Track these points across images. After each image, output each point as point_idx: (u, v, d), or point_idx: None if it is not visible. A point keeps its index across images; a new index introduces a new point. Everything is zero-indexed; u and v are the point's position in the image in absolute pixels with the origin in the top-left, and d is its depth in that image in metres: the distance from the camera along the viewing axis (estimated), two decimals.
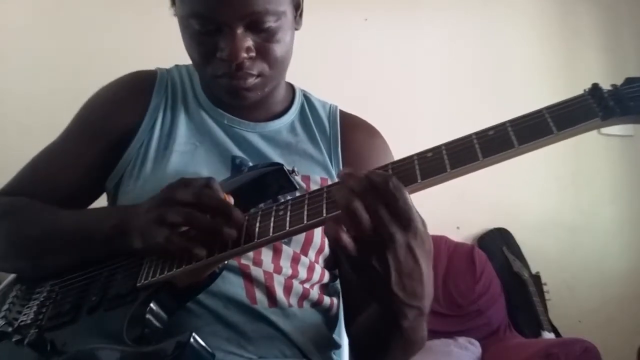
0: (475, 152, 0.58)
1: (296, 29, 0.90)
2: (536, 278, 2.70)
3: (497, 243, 2.75)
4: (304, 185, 0.87)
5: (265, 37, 0.81)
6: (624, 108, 0.54)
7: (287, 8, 0.83)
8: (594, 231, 2.93)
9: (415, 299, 0.61)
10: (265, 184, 0.75)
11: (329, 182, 0.89)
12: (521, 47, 3.00)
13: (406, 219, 0.57)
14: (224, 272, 0.75)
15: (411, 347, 0.72)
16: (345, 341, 0.98)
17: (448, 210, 2.57)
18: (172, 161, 0.87)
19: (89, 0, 2.53)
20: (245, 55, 0.80)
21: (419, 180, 0.59)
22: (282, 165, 0.75)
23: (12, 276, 0.88)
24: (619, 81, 0.58)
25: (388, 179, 0.56)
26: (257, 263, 0.81)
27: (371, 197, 0.56)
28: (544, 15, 3.07)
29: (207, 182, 0.70)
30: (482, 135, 0.59)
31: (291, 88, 1.02)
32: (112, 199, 0.92)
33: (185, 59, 0.93)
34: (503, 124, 0.59)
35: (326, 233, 0.59)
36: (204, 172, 0.86)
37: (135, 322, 0.66)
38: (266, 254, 0.83)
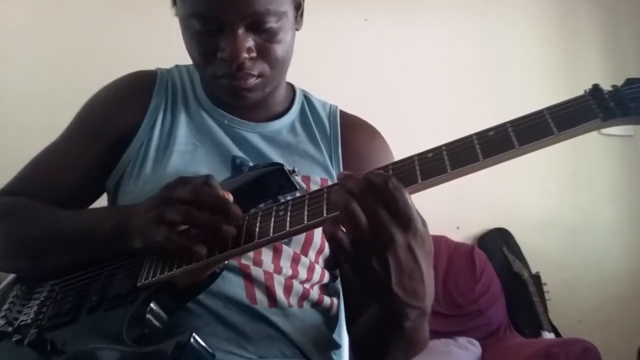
0: (475, 152, 0.58)
1: (297, 29, 0.90)
2: (536, 278, 2.70)
3: (497, 243, 2.75)
4: (304, 185, 0.87)
5: (266, 37, 0.82)
6: (625, 109, 0.54)
7: (288, 8, 0.83)
8: (594, 231, 2.93)
9: (416, 299, 0.61)
10: (266, 184, 0.75)
11: (329, 183, 0.89)
12: (521, 47, 3.00)
13: (406, 219, 0.57)
14: (224, 272, 0.75)
15: (413, 347, 0.72)
16: (345, 341, 0.98)
17: (448, 210, 2.58)
18: (172, 161, 0.87)
19: (89, 0, 2.53)
20: (246, 55, 0.80)
21: (419, 181, 0.59)
22: (282, 165, 0.75)
23: (12, 276, 0.88)
24: (619, 81, 0.58)
25: (387, 179, 0.56)
26: (258, 263, 0.81)
27: (370, 198, 0.56)
28: (544, 15, 3.07)
29: (206, 180, 0.70)
30: (482, 135, 0.59)
31: (291, 88, 1.02)
32: (112, 199, 0.92)
33: (185, 59, 0.93)
34: (503, 125, 0.59)
35: (325, 233, 0.59)
36: (204, 172, 0.85)
37: (135, 322, 0.66)
38: (266, 254, 0.83)
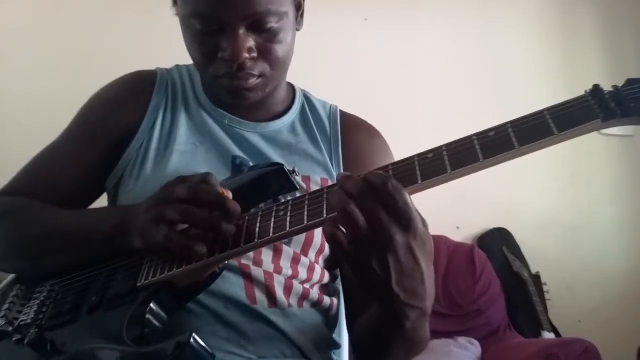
0: (476, 153, 0.58)
1: (297, 30, 0.90)
2: (536, 278, 2.70)
3: (497, 243, 2.75)
4: (304, 185, 0.87)
5: (267, 37, 0.82)
6: (625, 110, 0.54)
7: (289, 9, 0.83)
8: (594, 231, 2.93)
9: (417, 300, 0.61)
10: (266, 184, 0.75)
11: (330, 183, 0.89)
12: (521, 47, 3.00)
13: (406, 220, 0.56)
14: (224, 273, 0.75)
15: (414, 347, 0.72)
16: (345, 341, 0.98)
17: (448, 210, 2.57)
18: (173, 161, 0.87)
19: (89, 0, 2.52)
20: (247, 55, 0.80)
21: (420, 182, 0.59)
22: (282, 165, 0.75)
23: (12, 276, 0.88)
24: (619, 81, 0.58)
25: (387, 180, 0.56)
26: (258, 263, 0.81)
27: (369, 199, 0.56)
28: (544, 15, 3.07)
29: (204, 178, 0.70)
30: (482, 136, 0.59)
31: (292, 88, 1.02)
32: (112, 199, 0.92)
33: (185, 59, 0.93)
34: (504, 125, 0.59)
35: (325, 233, 0.59)
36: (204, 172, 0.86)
37: (135, 322, 0.66)
38: (266, 254, 0.83)
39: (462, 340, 2.35)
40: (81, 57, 2.42)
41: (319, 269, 0.89)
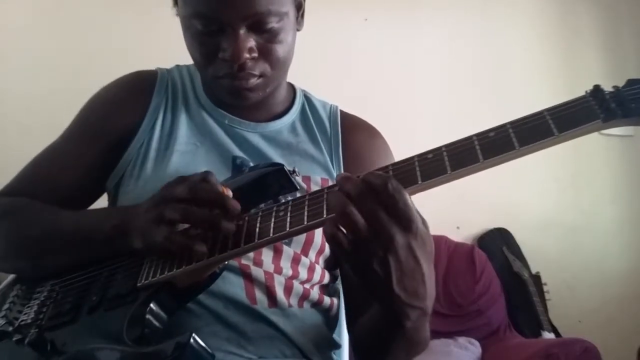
0: (476, 153, 0.58)
1: (298, 30, 0.90)
2: (536, 278, 2.70)
3: (497, 243, 2.75)
4: (304, 185, 0.87)
5: (267, 37, 0.82)
6: (626, 110, 0.54)
7: (289, 9, 0.83)
8: (594, 231, 2.93)
9: (417, 300, 0.61)
10: (266, 184, 0.75)
11: (330, 183, 0.89)
12: (521, 47, 3.00)
13: (406, 220, 0.56)
14: (224, 273, 0.75)
15: (414, 347, 0.72)
16: (345, 341, 0.98)
17: (448, 210, 2.57)
18: (173, 161, 0.87)
19: (89, 0, 2.53)
20: (247, 55, 0.80)
21: (420, 182, 0.59)
22: (282, 165, 0.75)
23: (12, 276, 0.88)
24: (619, 81, 0.57)
25: (387, 180, 0.56)
26: (258, 263, 0.81)
27: (369, 200, 0.56)
28: (544, 15, 3.07)
29: (204, 176, 0.70)
30: (482, 136, 0.59)
31: (292, 88, 1.02)
32: (112, 199, 0.92)
33: (185, 59, 0.93)
34: (504, 126, 0.59)
35: (325, 234, 0.59)
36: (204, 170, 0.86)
37: (135, 322, 0.66)
38: (267, 255, 0.83)
39: (462, 340, 2.35)
40: (81, 57, 2.42)
41: (319, 269, 0.89)
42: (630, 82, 0.56)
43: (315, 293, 0.87)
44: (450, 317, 2.46)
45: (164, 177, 0.82)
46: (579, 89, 0.59)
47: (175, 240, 0.67)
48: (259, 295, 0.80)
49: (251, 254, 0.81)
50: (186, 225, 0.69)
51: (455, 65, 2.91)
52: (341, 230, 0.58)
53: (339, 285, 0.95)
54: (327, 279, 0.90)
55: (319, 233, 0.86)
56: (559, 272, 2.80)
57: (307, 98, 1.01)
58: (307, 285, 0.86)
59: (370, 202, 0.56)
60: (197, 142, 0.90)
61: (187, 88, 0.96)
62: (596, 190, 2.98)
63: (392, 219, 0.56)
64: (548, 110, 0.58)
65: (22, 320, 0.75)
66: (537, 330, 2.48)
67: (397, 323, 0.63)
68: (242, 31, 0.79)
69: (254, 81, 0.84)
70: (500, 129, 0.59)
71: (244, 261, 0.80)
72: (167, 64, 1.01)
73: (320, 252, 0.88)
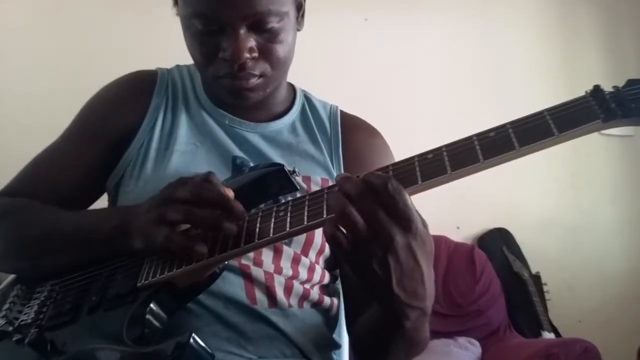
0: (476, 153, 0.58)
1: (298, 30, 0.90)
2: (536, 278, 2.70)
3: (497, 243, 2.75)
4: (304, 185, 0.87)
5: (268, 37, 0.82)
6: (626, 110, 0.54)
7: (289, 9, 0.83)
8: (594, 231, 2.93)
9: (417, 300, 0.61)
10: (266, 184, 0.75)
11: (330, 183, 0.89)
12: (521, 47, 3.01)
13: (406, 220, 0.56)
14: (224, 273, 0.75)
15: (414, 347, 0.72)
16: (345, 341, 0.98)
17: (448, 210, 2.57)
18: (173, 161, 0.87)
19: (89, 0, 2.53)
20: (247, 55, 0.80)
21: (420, 182, 0.59)
22: (282, 165, 0.75)
23: (12, 276, 0.88)
24: (619, 81, 0.57)
25: (387, 181, 0.56)
26: (258, 263, 0.81)
27: (369, 200, 0.56)
28: (544, 15, 3.07)
29: (206, 177, 0.70)
30: (483, 136, 0.59)
31: (292, 88, 1.02)
32: (112, 199, 0.92)
33: (185, 59, 0.93)
34: (504, 126, 0.59)
35: (325, 234, 0.59)
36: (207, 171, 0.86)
37: (135, 322, 0.66)
38: (267, 255, 0.83)
39: (462, 340, 2.35)
40: (81, 57, 2.42)
41: (319, 269, 0.89)
42: (630, 82, 0.56)
43: (315, 293, 0.87)
44: (450, 317, 2.46)
45: (164, 177, 0.82)
46: (579, 90, 0.59)
47: (175, 240, 0.67)
48: (259, 295, 0.80)
49: (251, 254, 0.81)
50: (186, 226, 0.69)
51: (455, 66, 2.91)
52: (341, 231, 0.58)
53: (339, 285, 0.95)
54: (327, 279, 0.90)
55: (319, 233, 0.86)
56: (559, 272, 2.80)
57: (307, 98, 1.01)
58: (307, 286, 0.86)
59: (370, 203, 0.56)
60: (197, 142, 0.90)
61: (187, 88, 0.96)
62: (596, 190, 2.98)
63: (392, 219, 0.56)
64: (548, 110, 0.58)
65: (22, 320, 0.75)
66: (537, 330, 2.48)
67: (396, 323, 0.63)
68: (242, 31, 0.79)
69: (254, 81, 0.84)
70: (501, 129, 0.59)
71: (244, 261, 0.80)
72: (167, 64, 1.01)
73: (320, 252, 0.88)
